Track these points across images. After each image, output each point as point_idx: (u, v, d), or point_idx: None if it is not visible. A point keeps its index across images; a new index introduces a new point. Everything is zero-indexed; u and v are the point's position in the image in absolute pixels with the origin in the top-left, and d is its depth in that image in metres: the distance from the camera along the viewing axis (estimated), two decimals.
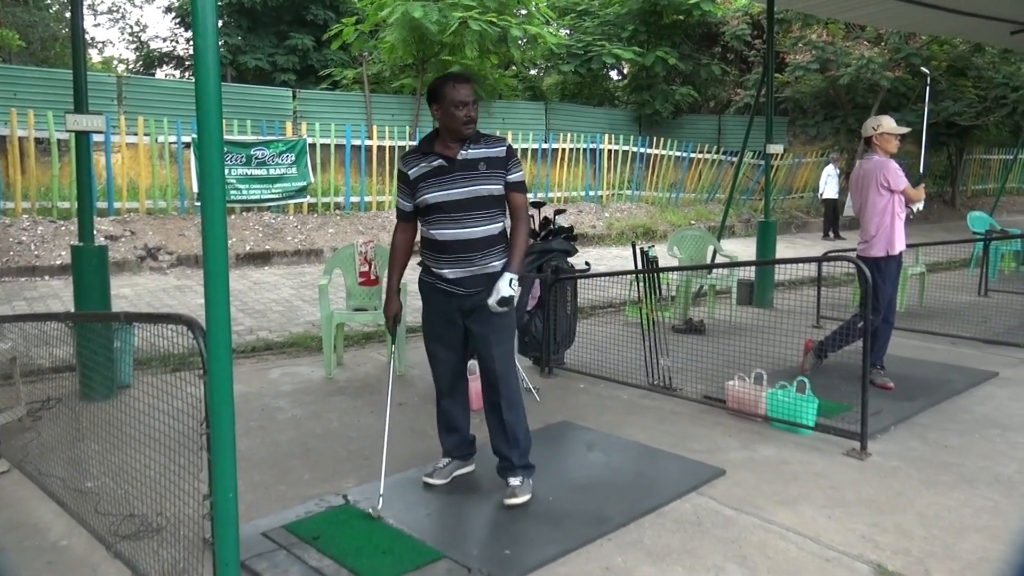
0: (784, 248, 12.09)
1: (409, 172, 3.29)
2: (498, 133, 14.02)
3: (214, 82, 2.12)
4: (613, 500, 3.37)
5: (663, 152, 15.39)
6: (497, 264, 3.27)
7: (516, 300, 3.27)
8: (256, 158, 10.80)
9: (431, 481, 3.53)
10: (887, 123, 5.03)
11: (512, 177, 3.28)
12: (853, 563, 2.90)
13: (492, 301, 3.18)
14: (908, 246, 5.18)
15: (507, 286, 3.18)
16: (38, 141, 9.96)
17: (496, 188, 3.25)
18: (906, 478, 3.68)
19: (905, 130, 5.07)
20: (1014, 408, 4.73)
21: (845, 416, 4.24)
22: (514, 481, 3.37)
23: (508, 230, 3.35)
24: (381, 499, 3.25)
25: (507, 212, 3.34)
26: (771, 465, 3.82)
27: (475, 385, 3.73)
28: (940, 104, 16.38)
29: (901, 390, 4.94)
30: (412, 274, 3.45)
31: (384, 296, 3.62)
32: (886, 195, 4.96)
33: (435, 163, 3.24)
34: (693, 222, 13.86)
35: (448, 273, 3.29)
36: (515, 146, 13.79)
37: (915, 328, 6.83)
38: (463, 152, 3.23)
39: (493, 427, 3.41)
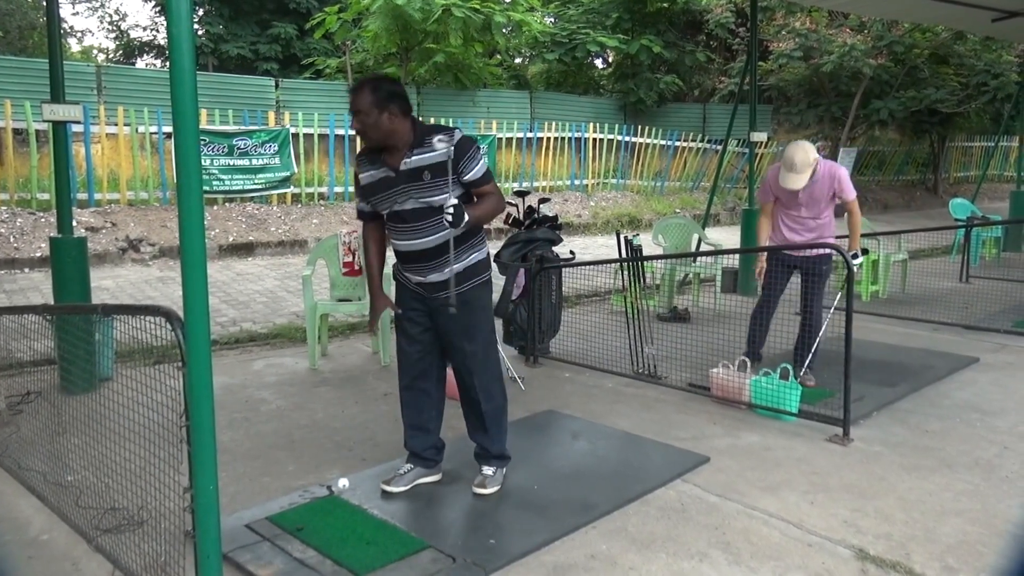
0: None
1: (361, 178, 3.18)
2: (483, 122, 14.10)
3: (189, 70, 2.09)
4: (598, 488, 3.38)
5: (648, 141, 15.39)
6: (459, 266, 3.13)
7: (456, 217, 2.95)
8: (239, 148, 10.69)
9: (389, 489, 3.31)
10: (786, 158, 4.57)
11: (467, 177, 3.06)
12: (835, 548, 2.92)
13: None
14: (892, 233, 5.18)
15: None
16: (16, 131, 9.83)
17: (443, 198, 3.00)
18: (888, 463, 3.71)
19: (791, 187, 4.54)
20: (994, 393, 4.78)
21: (828, 402, 4.28)
22: (487, 470, 3.36)
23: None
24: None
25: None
26: (755, 452, 3.85)
27: (452, 373, 3.71)
28: (922, 92, 16.46)
29: (883, 376, 4.97)
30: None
31: (369, 295, 3.43)
32: (768, 194, 4.89)
33: (381, 174, 3.09)
34: (678, 210, 13.88)
35: (412, 277, 3.22)
36: (499, 135, 13.90)
37: (897, 315, 6.88)
38: (406, 160, 3.03)
39: (469, 417, 3.39)
